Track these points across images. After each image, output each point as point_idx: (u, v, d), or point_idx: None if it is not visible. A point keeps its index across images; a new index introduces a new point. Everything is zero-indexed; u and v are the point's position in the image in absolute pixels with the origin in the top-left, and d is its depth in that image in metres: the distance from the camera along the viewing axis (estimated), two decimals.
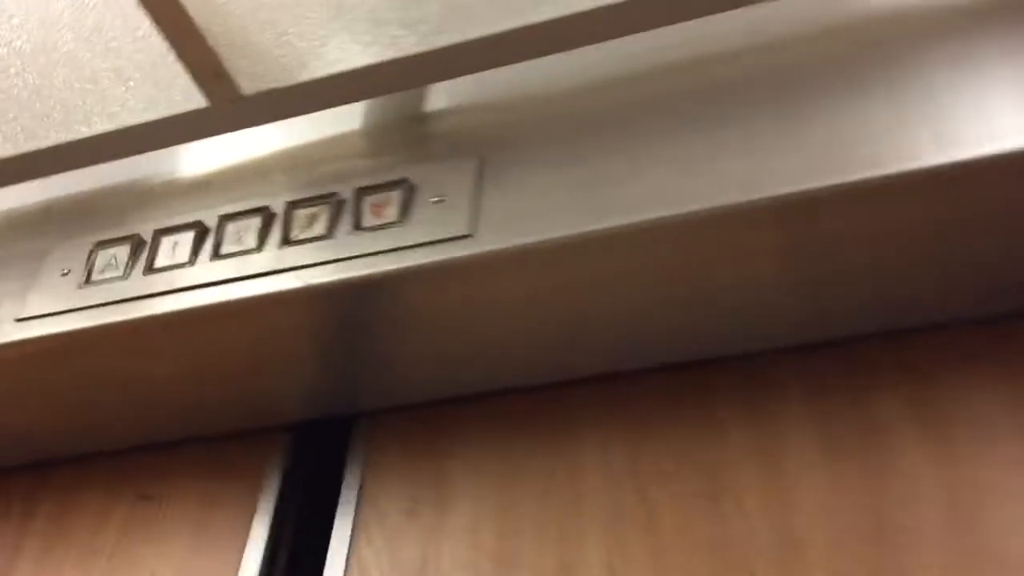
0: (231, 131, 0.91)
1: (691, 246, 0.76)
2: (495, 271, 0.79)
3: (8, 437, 1.01)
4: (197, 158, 0.98)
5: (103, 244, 0.93)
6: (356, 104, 0.93)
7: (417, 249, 0.80)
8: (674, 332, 0.84)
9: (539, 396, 0.91)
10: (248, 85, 0.88)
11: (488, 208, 0.80)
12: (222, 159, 0.97)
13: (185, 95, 0.89)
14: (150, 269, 0.89)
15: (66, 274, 0.93)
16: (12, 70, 0.89)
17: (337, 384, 0.94)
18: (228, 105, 0.89)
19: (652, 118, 0.78)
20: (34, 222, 1.02)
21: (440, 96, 0.91)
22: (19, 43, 0.87)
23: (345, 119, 0.94)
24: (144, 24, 0.84)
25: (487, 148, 0.84)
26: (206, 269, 0.87)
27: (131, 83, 0.89)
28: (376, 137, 0.92)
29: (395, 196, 0.85)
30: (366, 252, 0.82)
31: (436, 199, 0.83)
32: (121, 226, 0.95)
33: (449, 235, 0.79)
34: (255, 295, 0.84)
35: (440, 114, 0.90)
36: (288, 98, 0.89)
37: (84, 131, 0.92)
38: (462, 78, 0.87)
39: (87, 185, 1.03)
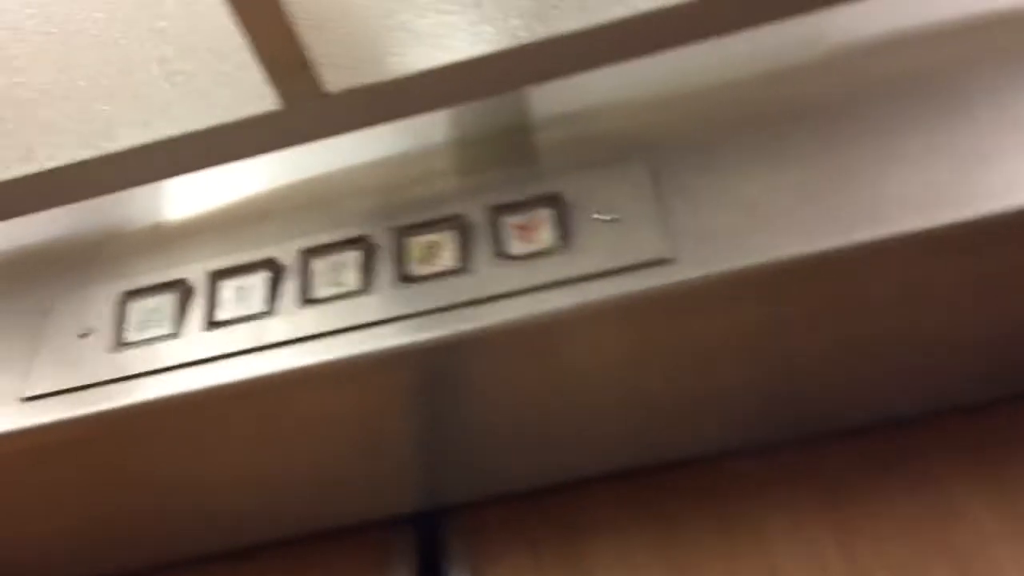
0: (308, 140, 0.71)
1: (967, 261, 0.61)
2: (701, 304, 0.62)
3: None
4: (239, 176, 0.77)
5: (136, 294, 0.71)
6: (450, 110, 0.75)
7: (601, 280, 0.62)
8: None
9: (710, 468, 0.73)
10: (333, 80, 0.69)
11: (680, 225, 0.63)
12: (270, 178, 0.76)
13: (253, 93, 0.69)
14: (212, 323, 0.68)
15: (85, 335, 0.70)
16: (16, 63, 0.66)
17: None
18: (307, 105, 0.69)
19: (893, 101, 0.63)
20: (15, 269, 0.78)
21: (566, 95, 0.74)
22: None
23: (435, 127, 0.75)
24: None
25: (651, 152, 0.67)
26: (291, 320, 0.66)
27: (178, 78, 0.68)
28: (486, 146, 0.74)
29: (545, 215, 0.66)
30: (525, 287, 0.63)
31: (607, 217, 0.65)
32: (147, 271, 0.72)
33: (642, 260, 0.62)
34: (360, 353, 0.64)
35: (575, 116, 0.73)
36: (384, 96, 0.70)
37: (105, 146, 0.70)
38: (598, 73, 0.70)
39: (65, 224, 0.80)
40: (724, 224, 0.62)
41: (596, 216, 0.65)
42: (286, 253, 0.69)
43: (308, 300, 0.66)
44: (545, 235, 0.65)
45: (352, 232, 0.69)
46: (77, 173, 0.71)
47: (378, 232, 0.68)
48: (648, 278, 0.61)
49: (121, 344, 0.68)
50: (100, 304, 0.71)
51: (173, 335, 0.67)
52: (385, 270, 0.66)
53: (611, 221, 0.64)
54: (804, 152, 0.64)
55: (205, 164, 0.70)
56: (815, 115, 0.65)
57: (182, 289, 0.70)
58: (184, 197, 0.77)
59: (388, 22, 0.67)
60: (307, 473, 0.73)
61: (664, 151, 0.67)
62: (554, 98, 0.73)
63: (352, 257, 0.68)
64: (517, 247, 0.65)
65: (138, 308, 0.70)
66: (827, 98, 0.66)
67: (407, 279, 0.66)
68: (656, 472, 0.74)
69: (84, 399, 0.66)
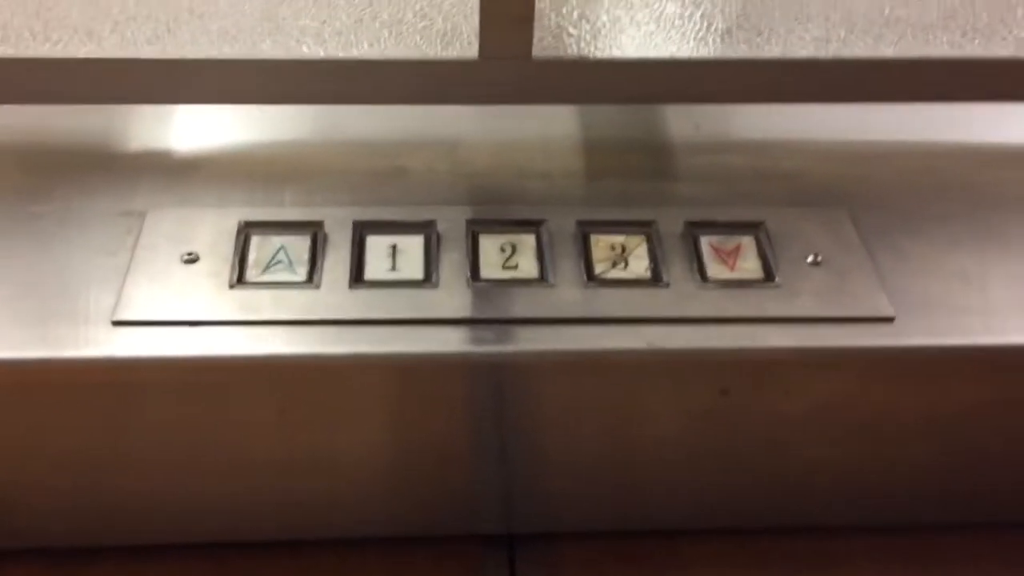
0: (491, 102, 0.63)
1: None
2: (914, 372, 0.58)
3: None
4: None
5: (258, 227, 0.60)
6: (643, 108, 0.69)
7: (818, 327, 0.57)
8: None
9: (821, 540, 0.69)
10: (540, 48, 0.61)
11: (895, 285, 0.59)
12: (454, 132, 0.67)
13: (452, 38, 0.60)
14: (359, 281, 0.58)
15: (192, 260, 0.58)
16: None
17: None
18: (501, 65, 0.61)
19: None
20: (95, 159, 0.65)
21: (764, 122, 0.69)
22: None
23: (629, 122, 0.68)
24: None
25: (850, 202, 0.64)
26: (456, 296, 0.57)
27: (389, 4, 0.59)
28: (677, 154, 0.67)
29: (748, 243, 0.61)
30: (731, 316, 0.57)
31: (811, 259, 0.60)
32: (262, 202, 0.62)
33: (863, 314, 0.57)
34: (546, 349, 0.56)
35: (770, 146, 0.68)
36: (583, 76, 0.63)
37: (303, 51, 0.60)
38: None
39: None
40: (942, 293, 0.59)
41: (803, 257, 0.60)
42: (451, 221, 0.60)
43: (476, 278, 0.58)
44: (750, 265, 0.60)
45: (528, 213, 0.61)
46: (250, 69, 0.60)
47: (558, 218, 0.61)
48: (871, 335, 0.57)
49: (241, 281, 0.57)
50: (210, 228, 0.60)
51: (308, 283, 0.57)
52: (566, 262, 0.59)
53: (816, 264, 0.60)
54: (1019, 237, 0.62)
55: (388, 98, 0.61)
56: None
57: (317, 233, 0.60)
58: (318, 129, 0.66)
59: (611, 2, 0.61)
60: (391, 466, 0.64)
61: (864, 204, 0.64)
62: (751, 124, 0.68)
63: (527, 241, 0.60)
64: (716, 270, 0.60)
65: (261, 244, 0.59)
66: None
67: (593, 279, 0.58)
68: (757, 536, 0.69)
69: (197, 336, 0.54)
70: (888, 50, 0.62)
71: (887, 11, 0.61)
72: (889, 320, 0.57)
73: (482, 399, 0.58)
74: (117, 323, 0.55)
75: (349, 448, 0.60)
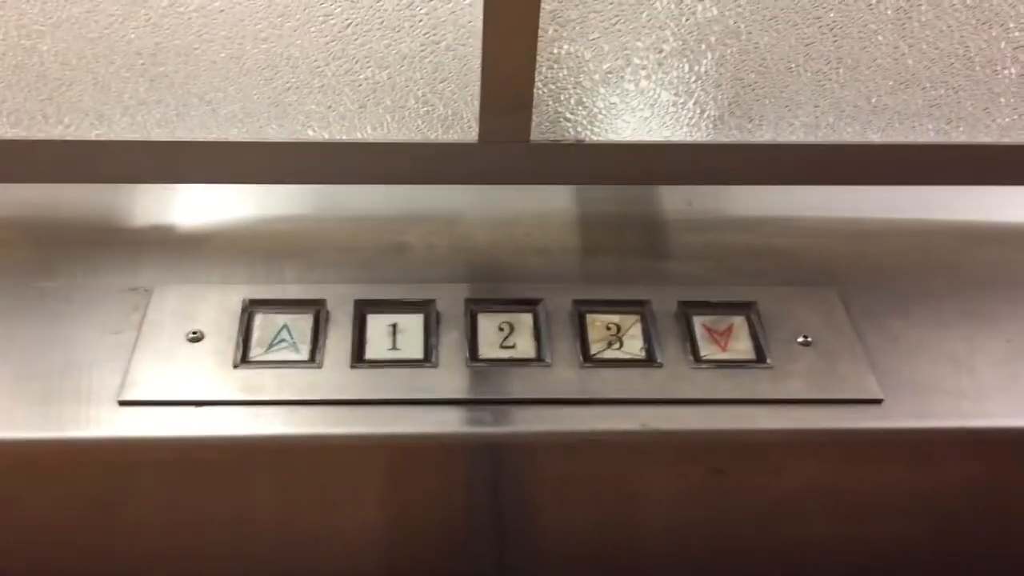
0: (490, 182, 0.65)
1: None
2: (901, 454, 0.59)
3: None
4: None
5: (261, 305, 0.61)
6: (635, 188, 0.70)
7: (808, 408, 0.58)
8: None
9: None
10: (538, 132, 0.63)
11: (884, 367, 0.60)
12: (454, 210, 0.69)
13: (453, 122, 0.62)
14: (361, 360, 0.59)
15: (196, 339, 0.60)
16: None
17: None
18: (500, 148, 0.63)
19: None
20: (103, 234, 0.66)
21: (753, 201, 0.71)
22: None
23: (617, 200, 0.70)
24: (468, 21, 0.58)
25: (838, 281, 0.65)
26: (456, 377, 0.58)
27: (392, 91, 0.61)
28: (666, 232, 0.69)
29: (740, 324, 0.63)
30: (723, 397, 0.58)
31: (802, 339, 0.62)
32: (263, 280, 0.63)
33: (852, 396, 0.59)
34: (539, 431, 0.57)
35: (759, 223, 0.70)
36: (580, 159, 0.65)
37: (308, 134, 0.62)
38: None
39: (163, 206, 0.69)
40: (930, 375, 0.60)
41: (793, 337, 0.62)
42: (450, 300, 0.62)
43: (475, 358, 0.59)
44: (742, 345, 0.61)
45: (526, 292, 0.63)
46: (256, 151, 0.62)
47: (555, 297, 0.62)
48: (859, 418, 0.58)
49: (246, 361, 0.59)
50: (214, 305, 0.61)
51: (311, 362, 0.59)
52: (563, 342, 0.60)
53: (807, 345, 0.61)
54: (1007, 318, 0.63)
55: (389, 179, 0.63)
56: (1015, 284, 0.65)
57: (320, 311, 0.61)
58: (320, 205, 0.68)
59: (608, 90, 0.63)
60: (389, 542, 0.65)
61: (855, 283, 0.65)
62: (744, 200, 0.70)
63: (524, 321, 0.62)
64: (709, 351, 0.61)
65: (265, 322, 0.61)
66: None
67: (589, 359, 0.60)
68: None
69: (202, 417, 0.56)
70: (875, 136, 0.64)
71: (874, 100, 0.63)
72: (877, 402, 0.59)
73: (479, 478, 0.60)
74: (124, 403, 0.56)
75: (348, 525, 0.61)
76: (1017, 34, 0.60)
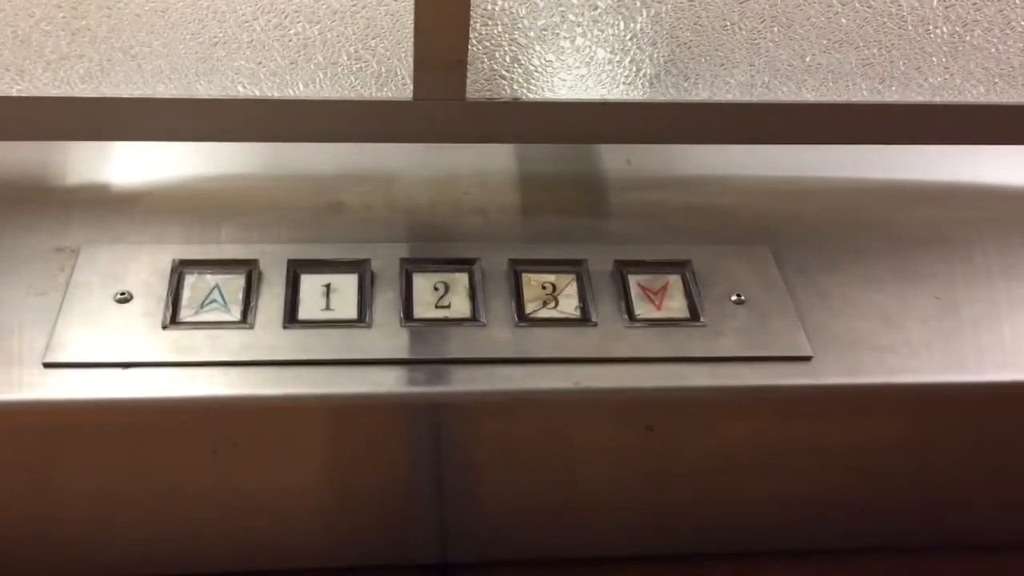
0: (425, 141, 0.64)
1: None
2: (831, 409, 0.60)
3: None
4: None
5: (191, 265, 0.60)
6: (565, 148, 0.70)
7: (740, 365, 0.59)
8: None
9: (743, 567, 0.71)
10: (473, 89, 0.63)
11: (816, 324, 0.61)
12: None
13: (387, 79, 0.61)
14: (294, 321, 0.59)
15: (125, 300, 0.59)
16: None
17: None
18: (435, 106, 0.62)
19: None
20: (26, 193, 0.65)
21: (688, 160, 0.71)
22: None
23: (551, 159, 0.70)
24: None
25: (771, 239, 0.66)
26: (390, 336, 0.58)
27: (323, 47, 0.60)
28: (602, 192, 0.69)
29: (675, 282, 0.63)
30: (660, 356, 0.59)
31: (735, 298, 0.62)
32: (196, 240, 0.62)
33: (783, 354, 0.59)
34: (463, 391, 0.57)
35: (693, 182, 0.70)
36: (516, 117, 0.65)
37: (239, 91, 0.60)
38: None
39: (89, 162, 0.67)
40: (860, 331, 0.61)
41: (727, 296, 0.62)
42: (385, 260, 0.61)
43: (410, 318, 0.59)
44: (676, 304, 0.62)
45: (462, 251, 0.62)
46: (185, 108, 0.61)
47: (491, 256, 0.62)
48: (790, 374, 0.59)
49: (175, 322, 0.58)
50: (144, 265, 0.60)
51: (243, 323, 0.58)
52: (498, 301, 0.60)
53: (740, 303, 0.62)
54: (936, 276, 0.64)
55: (322, 136, 0.62)
56: (945, 242, 0.66)
57: (252, 271, 0.60)
58: (256, 164, 0.67)
59: (543, 47, 0.62)
60: (327, 503, 0.64)
61: (788, 241, 0.66)
62: (682, 159, 0.70)
63: (460, 280, 0.61)
64: (643, 309, 0.61)
65: (196, 283, 0.60)
66: (962, 228, 0.67)
67: (524, 319, 0.60)
68: (683, 561, 0.71)
69: (130, 378, 0.55)
70: (810, 95, 0.64)
71: (808, 59, 0.63)
72: (807, 359, 0.59)
73: (415, 437, 0.60)
74: (49, 365, 0.55)
75: (284, 485, 0.61)
76: None
